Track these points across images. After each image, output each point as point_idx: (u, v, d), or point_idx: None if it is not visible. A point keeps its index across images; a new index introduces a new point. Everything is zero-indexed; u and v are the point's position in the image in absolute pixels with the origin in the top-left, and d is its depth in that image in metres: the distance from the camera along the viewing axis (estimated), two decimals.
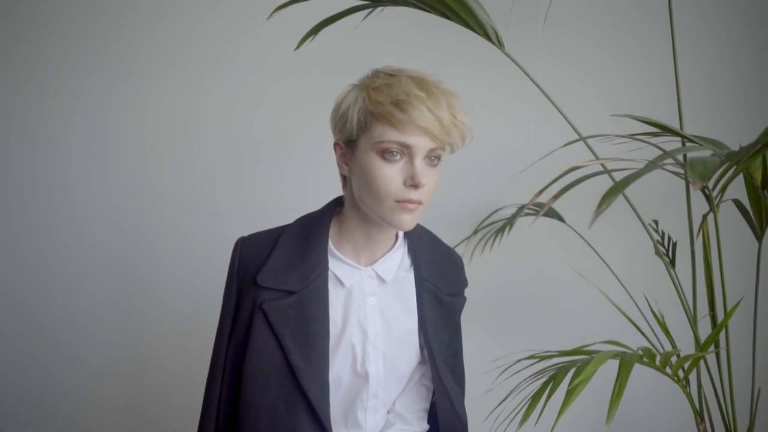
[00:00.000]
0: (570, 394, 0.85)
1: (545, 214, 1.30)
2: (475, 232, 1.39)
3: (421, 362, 0.87)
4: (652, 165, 0.68)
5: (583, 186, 1.12)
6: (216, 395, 0.78)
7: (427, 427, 0.92)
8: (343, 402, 0.80)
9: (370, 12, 1.11)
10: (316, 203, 0.95)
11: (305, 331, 0.74)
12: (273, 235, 0.81)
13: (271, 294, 0.75)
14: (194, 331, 1.89)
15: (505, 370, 1.28)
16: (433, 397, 0.91)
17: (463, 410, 0.89)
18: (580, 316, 1.43)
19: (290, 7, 1.15)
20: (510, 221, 1.34)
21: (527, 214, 1.30)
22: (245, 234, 0.83)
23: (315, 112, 1.59)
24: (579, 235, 1.31)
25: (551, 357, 1.13)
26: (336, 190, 0.93)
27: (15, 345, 2.10)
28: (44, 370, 2.11)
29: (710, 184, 0.87)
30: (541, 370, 1.09)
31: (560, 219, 1.30)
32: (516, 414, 1.09)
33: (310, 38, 1.12)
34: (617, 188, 0.61)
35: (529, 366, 1.31)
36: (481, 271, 1.32)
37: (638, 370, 1.40)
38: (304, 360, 0.73)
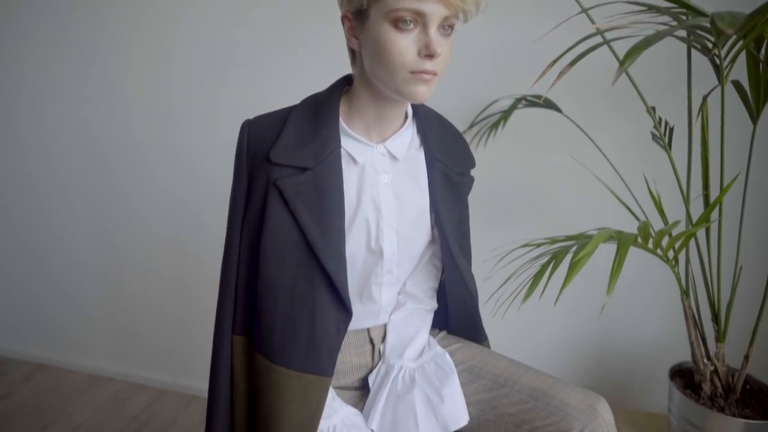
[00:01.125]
0: (573, 267, 0.87)
1: (540, 105, 1.28)
2: (471, 126, 1.37)
3: (432, 241, 0.88)
4: (671, 29, 0.66)
5: (579, 77, 1.09)
6: (233, 278, 0.78)
7: (436, 305, 0.95)
8: (359, 279, 0.82)
9: None
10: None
11: (321, 207, 0.74)
12: (281, 114, 0.78)
13: (285, 171, 0.74)
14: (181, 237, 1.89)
15: (503, 257, 1.32)
16: (441, 276, 0.93)
17: (474, 285, 0.91)
18: (574, 207, 1.45)
19: None
20: (506, 114, 1.32)
21: (525, 106, 1.29)
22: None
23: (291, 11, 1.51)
24: (575, 124, 1.31)
25: (547, 244, 1.16)
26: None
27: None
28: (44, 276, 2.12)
29: (722, 54, 0.86)
30: (538, 256, 1.12)
31: (557, 109, 1.29)
32: (516, 295, 1.13)
33: None
34: (640, 47, 0.60)
35: (525, 254, 1.35)
36: (477, 165, 1.32)
37: (610, 256, 1.45)
38: (320, 235, 0.73)
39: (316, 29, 1.52)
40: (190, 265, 1.90)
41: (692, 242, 1.22)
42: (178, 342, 2.02)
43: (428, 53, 0.67)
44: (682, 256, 1.24)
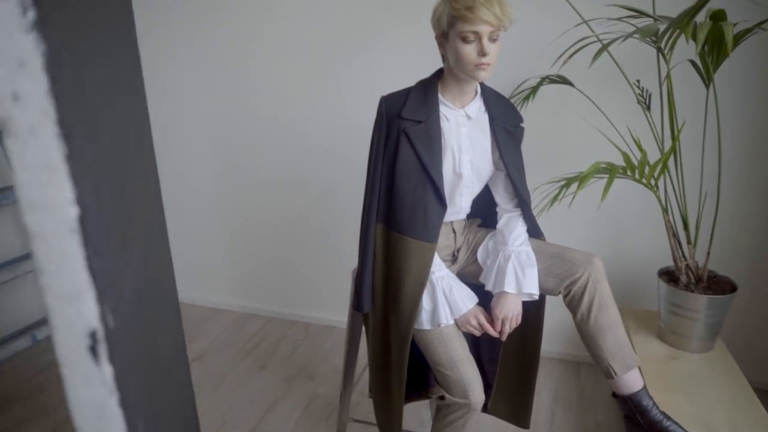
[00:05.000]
0: (581, 182, 1.41)
1: (559, 81, 1.80)
2: (509, 98, 1.91)
3: (503, 173, 1.42)
4: (627, 35, 1.18)
5: (585, 60, 1.62)
6: (377, 188, 1.34)
7: (521, 211, 1.44)
8: (449, 191, 1.36)
9: None
10: (401, 82, 1.47)
11: (430, 144, 1.28)
12: (404, 91, 1.33)
13: (409, 123, 1.29)
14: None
15: (536, 189, 1.86)
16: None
17: (528, 194, 1.42)
18: (583, 154, 1.97)
19: None
20: (534, 89, 1.85)
21: (548, 83, 1.81)
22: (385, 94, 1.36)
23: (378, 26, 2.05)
24: (584, 94, 1.83)
25: (563, 180, 1.69)
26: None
27: None
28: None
29: (665, 48, 1.37)
30: (558, 186, 1.66)
31: (570, 84, 1.81)
32: (544, 208, 1.67)
33: None
34: (603, 48, 1.13)
35: (549, 187, 1.89)
36: None
37: (619, 190, 1.98)
38: (430, 160, 1.28)
39: (418, 34, 2.07)
40: (293, 218, 2.49)
41: (666, 174, 1.73)
42: (282, 279, 2.62)
43: (482, 54, 1.20)
44: (660, 184, 1.75)
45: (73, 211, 0.37)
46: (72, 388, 0.44)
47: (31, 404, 2.04)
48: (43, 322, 2.31)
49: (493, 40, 1.23)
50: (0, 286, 2.24)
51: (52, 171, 0.37)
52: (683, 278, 1.77)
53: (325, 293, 2.58)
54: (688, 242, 1.74)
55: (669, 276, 1.84)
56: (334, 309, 2.58)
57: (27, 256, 2.31)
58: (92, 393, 0.44)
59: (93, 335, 0.41)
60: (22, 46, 0.34)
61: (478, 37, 1.21)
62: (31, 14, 0.33)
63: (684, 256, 1.77)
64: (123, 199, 0.42)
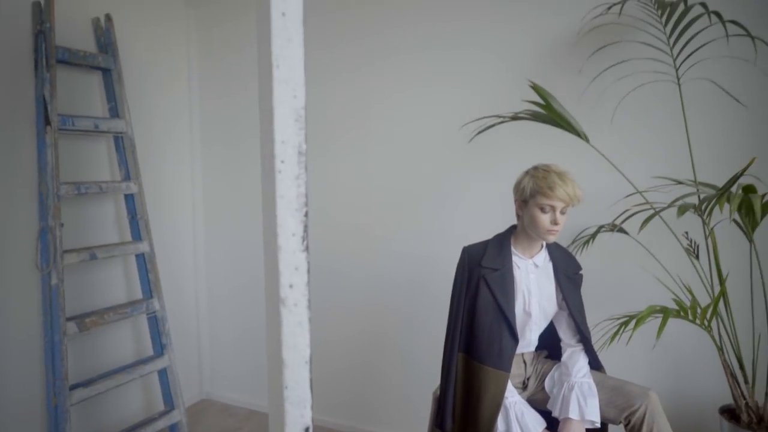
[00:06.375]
0: (638, 322, 1.62)
1: (614, 230, 2.07)
2: (572, 243, 2.18)
3: (565, 313, 1.66)
4: (672, 205, 1.46)
5: (639, 218, 1.89)
6: (459, 325, 1.60)
7: (582, 346, 1.66)
8: (520, 327, 1.61)
9: (503, 121, 1.96)
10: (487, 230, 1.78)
11: (505, 288, 1.56)
12: (483, 243, 1.64)
13: (487, 270, 1.58)
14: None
15: (596, 325, 2.06)
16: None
17: (588, 332, 1.65)
18: (638, 296, 2.18)
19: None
20: (593, 236, 2.12)
21: (603, 231, 2.08)
22: (466, 244, 1.67)
23: (461, 176, 2.43)
24: (638, 242, 2.08)
25: (622, 317, 1.90)
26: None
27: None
28: None
29: (704, 215, 1.63)
30: (617, 324, 1.86)
31: (625, 232, 2.07)
32: (604, 344, 1.86)
33: (471, 139, 1.96)
34: (651, 216, 1.41)
35: (609, 323, 2.09)
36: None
37: (677, 329, 2.14)
38: (505, 302, 1.55)
39: (497, 198, 2.44)
40: (371, 341, 2.75)
41: (718, 318, 1.91)
42: (361, 396, 2.83)
43: (554, 223, 1.51)
44: (714, 325, 1.92)
45: (307, 351, 0.67)
46: None
47: None
48: (147, 422, 2.58)
49: (563, 212, 1.54)
50: (116, 387, 2.56)
51: (302, 328, 0.68)
52: (744, 416, 1.87)
53: (397, 410, 2.75)
54: (746, 381, 1.86)
55: (730, 413, 1.94)
56: (404, 425, 2.74)
57: (139, 362, 2.65)
58: None
59: (307, 430, 0.69)
60: (299, 259, 0.66)
61: (553, 209, 1.53)
62: (306, 243, 0.65)
63: (743, 395, 1.88)
64: None
